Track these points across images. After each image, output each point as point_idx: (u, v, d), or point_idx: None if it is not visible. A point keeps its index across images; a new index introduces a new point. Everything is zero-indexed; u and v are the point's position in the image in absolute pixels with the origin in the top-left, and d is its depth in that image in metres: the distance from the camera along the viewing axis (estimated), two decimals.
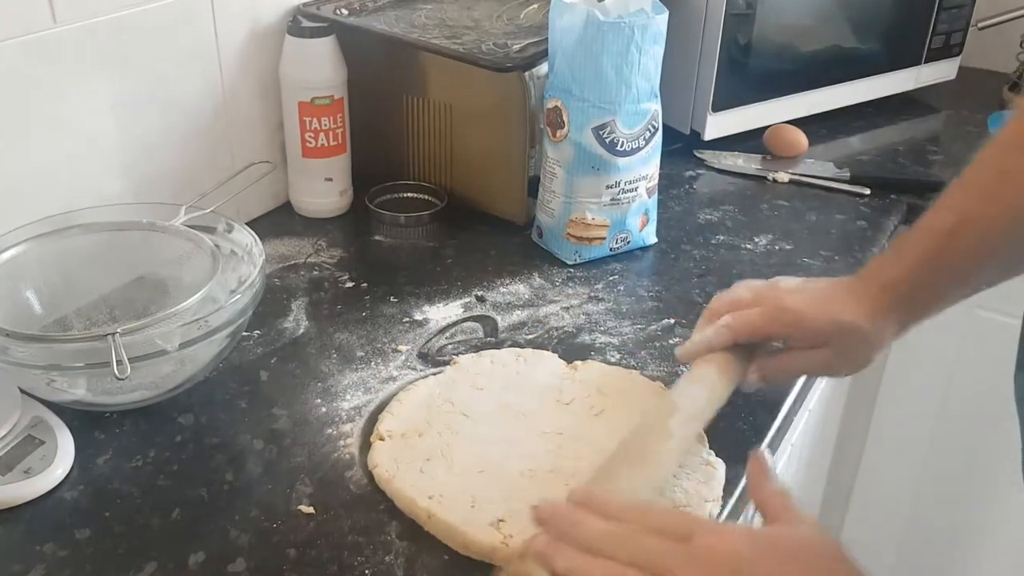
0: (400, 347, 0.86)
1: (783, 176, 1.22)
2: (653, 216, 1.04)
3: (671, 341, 0.88)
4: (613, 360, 0.84)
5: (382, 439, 0.72)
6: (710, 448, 0.74)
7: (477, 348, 0.86)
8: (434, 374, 0.81)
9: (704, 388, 0.70)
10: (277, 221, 1.08)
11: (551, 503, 0.56)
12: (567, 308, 0.93)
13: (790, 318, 0.72)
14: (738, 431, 0.77)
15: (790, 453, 1.03)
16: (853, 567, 0.52)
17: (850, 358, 0.73)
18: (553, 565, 0.52)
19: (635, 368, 0.84)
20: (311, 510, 0.67)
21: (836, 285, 0.74)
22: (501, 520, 0.64)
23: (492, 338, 0.88)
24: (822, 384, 1.01)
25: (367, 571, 0.63)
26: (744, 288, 0.77)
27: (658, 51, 0.95)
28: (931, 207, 0.72)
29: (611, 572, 0.51)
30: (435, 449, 0.71)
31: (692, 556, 0.50)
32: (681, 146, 1.26)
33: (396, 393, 0.79)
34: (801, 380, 0.85)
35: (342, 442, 0.74)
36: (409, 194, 1.12)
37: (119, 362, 0.66)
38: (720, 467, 0.71)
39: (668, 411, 0.67)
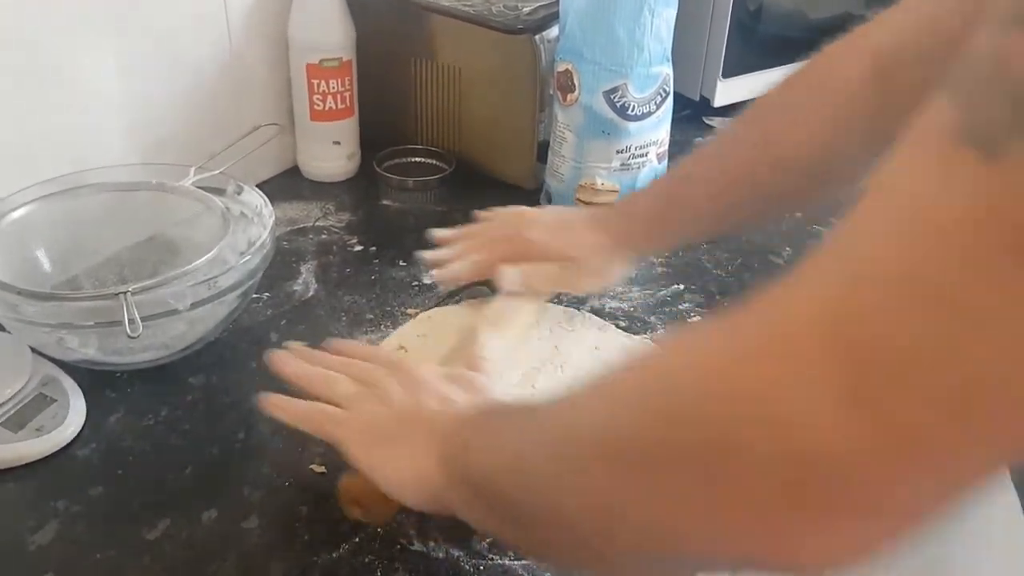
0: (410, 310, 0.86)
1: None
2: None
3: (680, 307, 0.88)
4: (622, 325, 0.84)
5: None
6: None
7: None
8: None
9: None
10: (284, 184, 1.07)
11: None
12: None
13: (535, 250, 0.81)
14: None
15: None
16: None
17: (590, 275, 0.82)
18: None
19: (644, 333, 0.84)
20: (323, 469, 0.68)
21: (578, 213, 0.85)
22: None
23: None
24: None
25: (379, 529, 0.63)
26: (493, 221, 0.86)
27: (671, 14, 0.94)
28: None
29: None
30: None
31: (390, 370, 0.62)
32: (690, 113, 1.25)
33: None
34: None
35: None
36: (417, 159, 1.12)
37: (131, 321, 0.66)
38: None
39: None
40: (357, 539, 0.62)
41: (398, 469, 0.56)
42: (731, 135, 0.79)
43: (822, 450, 0.31)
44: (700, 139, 1.22)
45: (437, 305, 0.87)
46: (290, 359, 0.65)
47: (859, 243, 0.33)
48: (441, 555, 0.61)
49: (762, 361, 0.33)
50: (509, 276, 0.79)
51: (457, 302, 0.87)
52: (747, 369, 0.34)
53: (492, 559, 0.61)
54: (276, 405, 0.62)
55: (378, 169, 1.08)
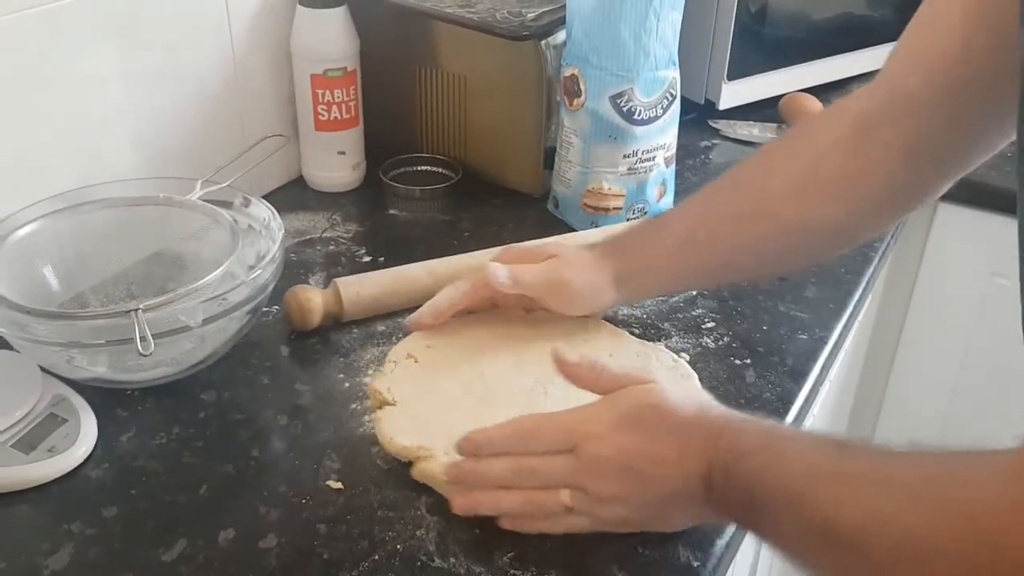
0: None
1: None
2: (671, 186, 1.03)
3: (693, 313, 0.87)
4: (636, 333, 0.84)
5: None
6: None
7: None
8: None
9: None
10: (290, 195, 1.07)
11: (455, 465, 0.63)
12: None
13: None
14: (766, 402, 0.76)
15: (812, 423, 1.03)
16: (710, 406, 0.60)
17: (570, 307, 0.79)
18: (478, 511, 0.62)
19: (659, 340, 0.83)
20: (340, 485, 0.67)
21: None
22: None
23: None
24: (842, 354, 1.00)
25: (399, 546, 0.62)
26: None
27: (676, 17, 0.94)
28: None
29: (519, 499, 0.61)
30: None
31: (581, 467, 0.59)
32: (696, 116, 1.24)
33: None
34: (839, 327, 0.86)
35: (367, 417, 0.73)
36: (423, 167, 1.11)
37: (143, 338, 0.65)
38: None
39: None
40: (377, 556, 0.61)
41: (686, 520, 0.62)
42: (717, 183, 0.79)
43: None
44: (706, 142, 1.22)
45: None
46: (484, 499, 0.62)
47: None
48: (463, 571, 0.61)
49: None
50: (500, 274, 0.77)
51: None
52: None
53: (514, 574, 0.60)
54: (509, 525, 0.63)
55: (384, 179, 1.07)
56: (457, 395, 0.72)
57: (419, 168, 1.11)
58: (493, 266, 0.76)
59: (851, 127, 0.71)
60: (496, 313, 0.80)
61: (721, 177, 0.79)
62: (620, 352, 0.79)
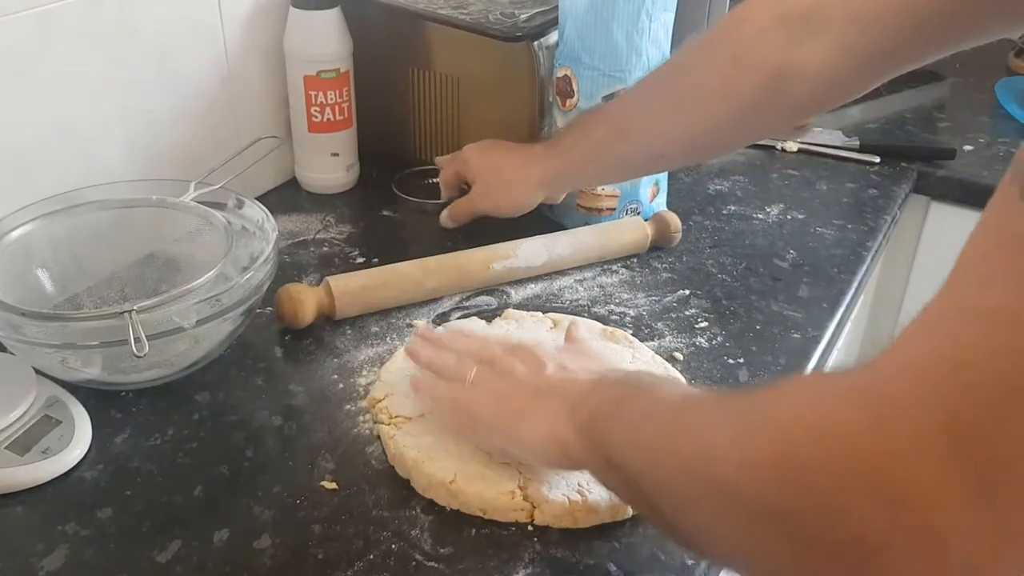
0: (415, 322, 0.85)
1: (792, 146, 1.21)
2: (664, 186, 1.03)
3: (687, 312, 0.87)
4: (629, 331, 0.84)
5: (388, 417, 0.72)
6: None
7: (490, 321, 0.85)
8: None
9: None
10: (284, 197, 1.07)
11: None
12: (580, 281, 0.93)
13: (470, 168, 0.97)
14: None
15: None
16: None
17: (503, 197, 0.96)
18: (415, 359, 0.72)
19: (652, 340, 0.83)
20: (334, 486, 0.67)
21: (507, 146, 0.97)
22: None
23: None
24: (835, 353, 1.01)
25: (393, 546, 0.62)
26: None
27: (669, 18, 0.94)
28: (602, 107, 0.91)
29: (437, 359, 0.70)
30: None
31: (492, 356, 0.67)
32: None
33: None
34: (832, 326, 0.87)
35: (361, 418, 0.73)
36: (432, 180, 1.06)
37: (137, 339, 0.65)
38: None
39: None
40: (371, 556, 0.61)
41: (533, 435, 0.61)
42: (641, 84, 0.88)
43: (944, 537, 0.33)
44: None
45: (441, 317, 0.87)
46: (424, 347, 0.72)
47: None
48: (457, 571, 0.61)
49: (887, 437, 0.35)
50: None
51: (461, 317, 0.86)
52: (872, 443, 0.35)
53: (508, 574, 0.61)
54: (417, 386, 0.69)
55: (398, 192, 1.07)
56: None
57: (430, 181, 1.07)
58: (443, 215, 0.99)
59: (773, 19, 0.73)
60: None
61: (645, 77, 0.88)
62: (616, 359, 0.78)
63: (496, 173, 0.95)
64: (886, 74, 0.72)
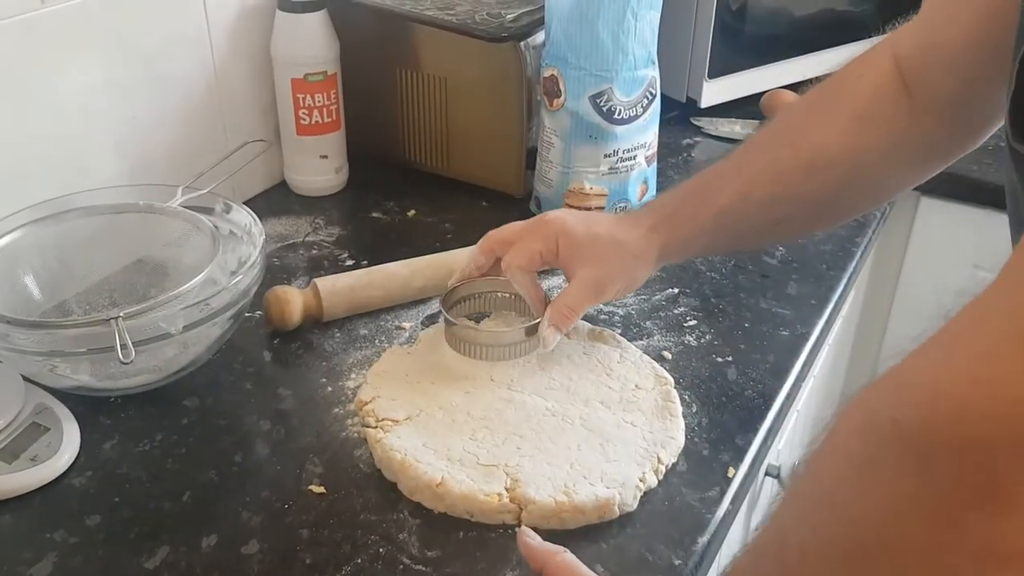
0: (403, 324, 0.85)
1: None
2: (653, 185, 1.03)
3: (675, 311, 0.88)
4: (618, 331, 0.84)
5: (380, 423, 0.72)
6: (709, 428, 0.73)
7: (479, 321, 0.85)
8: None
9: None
10: (273, 200, 1.07)
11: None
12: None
13: (551, 229, 0.76)
14: (747, 399, 0.77)
15: (796, 420, 1.03)
16: None
17: (619, 274, 0.75)
18: None
19: (640, 339, 0.84)
20: (322, 490, 0.67)
21: (605, 218, 0.81)
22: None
23: None
24: (825, 349, 1.01)
25: (380, 549, 0.62)
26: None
27: (654, 16, 0.94)
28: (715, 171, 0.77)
29: None
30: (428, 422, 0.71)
31: None
32: (677, 114, 1.25)
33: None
34: (821, 323, 0.85)
35: (349, 421, 0.74)
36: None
37: (123, 346, 0.65)
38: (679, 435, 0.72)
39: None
40: (359, 560, 0.61)
41: None
42: (759, 140, 0.77)
43: None
44: (688, 140, 1.22)
45: (429, 319, 0.87)
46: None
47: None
48: (444, 574, 0.61)
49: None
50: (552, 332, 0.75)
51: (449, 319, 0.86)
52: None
53: (497, 575, 0.61)
54: None
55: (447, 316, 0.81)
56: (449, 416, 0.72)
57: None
58: (547, 330, 0.74)
59: (894, 67, 0.69)
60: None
61: (760, 132, 0.78)
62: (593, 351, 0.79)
63: (618, 248, 0.75)
64: None
